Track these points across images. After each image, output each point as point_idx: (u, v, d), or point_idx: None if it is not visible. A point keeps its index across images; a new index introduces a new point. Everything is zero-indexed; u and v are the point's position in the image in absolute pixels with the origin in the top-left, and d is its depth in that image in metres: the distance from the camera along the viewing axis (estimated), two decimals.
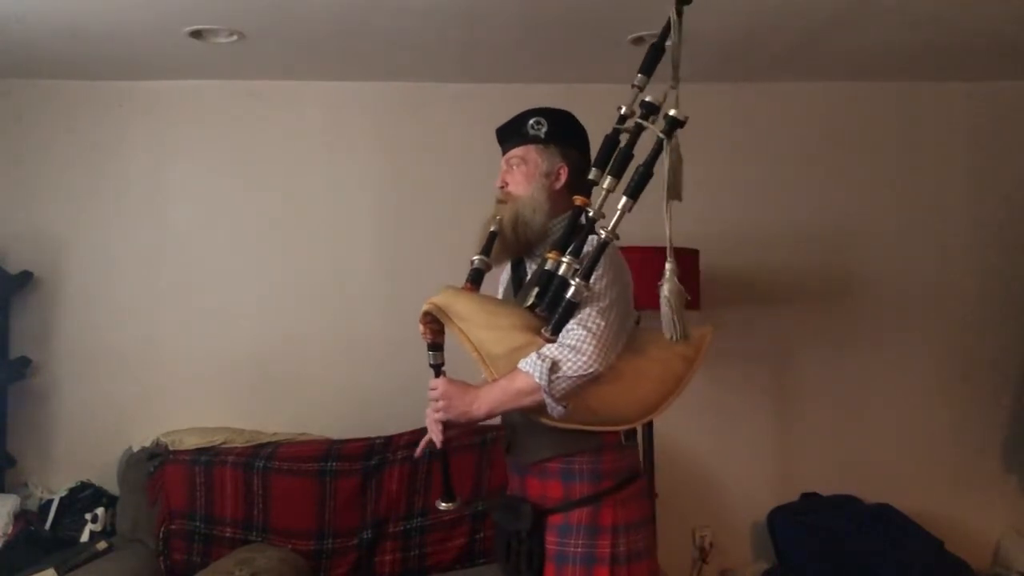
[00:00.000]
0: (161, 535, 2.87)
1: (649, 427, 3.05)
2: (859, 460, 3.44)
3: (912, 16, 2.82)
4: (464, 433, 2.81)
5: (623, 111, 1.83)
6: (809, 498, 3.35)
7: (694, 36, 2.91)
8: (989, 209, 3.56)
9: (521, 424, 1.81)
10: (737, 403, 3.44)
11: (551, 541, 1.76)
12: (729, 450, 3.42)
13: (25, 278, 3.18)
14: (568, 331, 1.69)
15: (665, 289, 1.70)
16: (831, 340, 3.49)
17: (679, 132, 1.72)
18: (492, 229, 1.86)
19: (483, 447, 2.95)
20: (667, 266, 1.70)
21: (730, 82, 3.46)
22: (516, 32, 2.91)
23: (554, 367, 1.64)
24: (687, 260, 3.03)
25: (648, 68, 1.84)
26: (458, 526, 2.89)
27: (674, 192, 1.72)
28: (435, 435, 1.83)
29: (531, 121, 1.89)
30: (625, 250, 2.82)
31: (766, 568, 3.29)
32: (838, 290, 3.51)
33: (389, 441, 3.00)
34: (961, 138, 3.57)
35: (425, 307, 1.78)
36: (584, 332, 1.67)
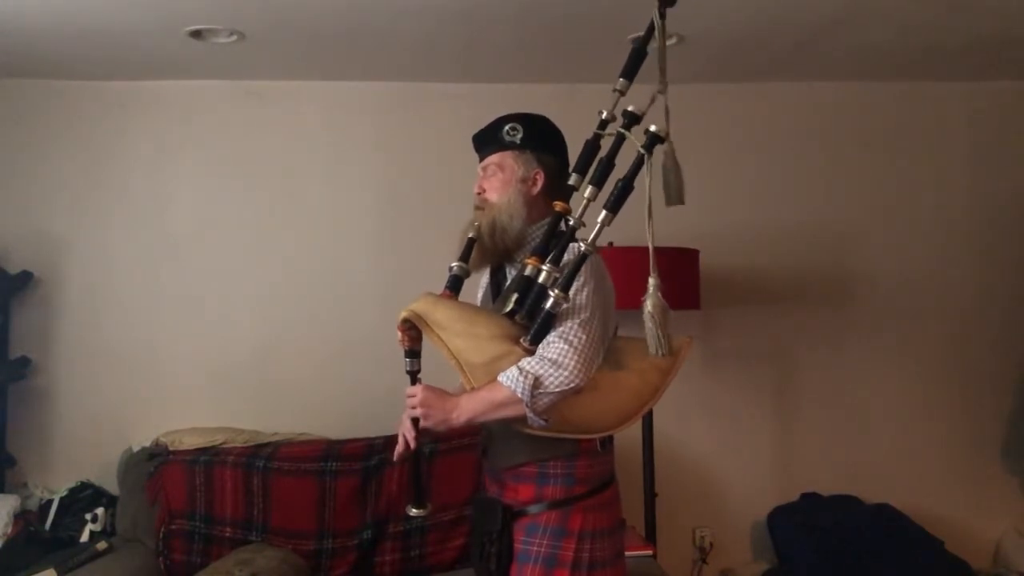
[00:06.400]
0: (161, 535, 2.86)
1: (649, 427, 3.05)
2: (859, 460, 3.45)
3: (911, 16, 2.82)
4: (464, 434, 2.82)
5: (604, 115, 1.83)
6: (809, 498, 3.35)
7: (694, 36, 2.94)
8: (989, 209, 3.56)
9: (497, 429, 1.82)
10: (737, 403, 3.44)
11: (517, 539, 1.77)
12: (729, 450, 3.42)
13: (25, 278, 3.18)
14: (549, 344, 1.69)
15: (648, 304, 1.71)
16: (831, 340, 3.49)
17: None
18: (470, 235, 1.87)
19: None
20: (650, 281, 1.71)
21: (730, 82, 3.46)
22: (515, 32, 2.90)
23: (536, 383, 1.65)
24: (687, 260, 3.03)
25: (630, 72, 1.83)
26: (458, 526, 2.89)
27: (678, 198, 1.73)
28: (409, 439, 1.82)
29: (506, 127, 1.89)
30: (622, 251, 2.83)
31: (766, 568, 3.29)
32: (838, 290, 3.51)
33: (389, 441, 2.99)
34: (961, 138, 3.57)
35: (403, 314, 1.78)
36: (566, 346, 1.67)
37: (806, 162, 3.53)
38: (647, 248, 1.71)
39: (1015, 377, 3.52)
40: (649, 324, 1.72)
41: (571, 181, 1.85)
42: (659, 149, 1.75)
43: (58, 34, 2.82)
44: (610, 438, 1.86)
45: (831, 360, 3.49)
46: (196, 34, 2.85)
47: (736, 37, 2.99)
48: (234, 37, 2.89)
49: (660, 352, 1.72)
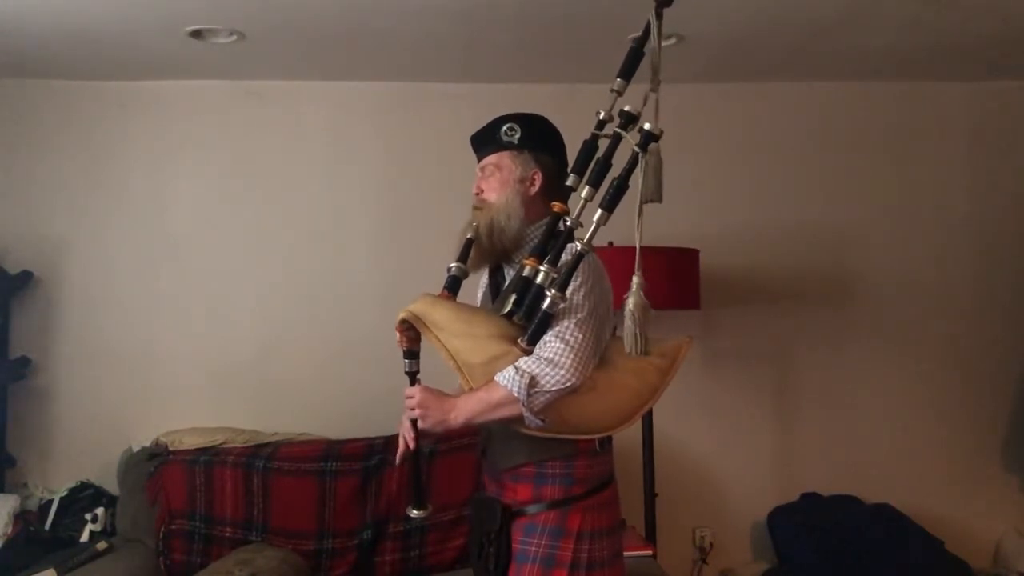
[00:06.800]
0: (161, 535, 2.87)
1: (649, 427, 3.05)
2: (859, 460, 3.44)
3: (911, 16, 2.82)
4: (464, 434, 2.82)
5: (602, 116, 1.83)
6: (809, 498, 3.35)
7: (694, 36, 2.94)
8: (989, 209, 3.56)
9: (496, 429, 1.82)
10: (737, 403, 3.44)
11: (516, 539, 1.77)
12: (729, 450, 3.42)
13: (25, 278, 3.18)
14: (546, 343, 1.69)
15: (630, 303, 1.69)
16: (831, 340, 3.49)
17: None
18: (469, 236, 1.87)
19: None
20: (634, 279, 1.70)
21: (730, 82, 3.46)
22: (515, 32, 2.91)
23: (532, 382, 1.64)
24: (687, 260, 3.03)
25: (627, 72, 1.83)
26: (458, 526, 2.89)
27: (655, 195, 1.71)
28: (408, 440, 1.82)
29: (504, 127, 1.89)
30: (621, 251, 2.82)
31: (766, 568, 3.29)
32: (838, 290, 3.51)
33: (389, 441, 2.99)
34: (961, 138, 3.57)
35: (401, 315, 1.78)
36: (562, 345, 1.67)
37: (806, 162, 3.53)
38: (646, 248, 1.71)
39: (1015, 377, 3.52)
40: (628, 322, 1.71)
41: (569, 182, 1.85)
42: (653, 147, 1.75)
43: (58, 34, 2.82)
44: (609, 438, 1.85)
45: (831, 360, 3.49)
46: (196, 34, 2.85)
47: (736, 37, 2.99)
48: (234, 37, 2.89)
49: (635, 352, 1.71)
